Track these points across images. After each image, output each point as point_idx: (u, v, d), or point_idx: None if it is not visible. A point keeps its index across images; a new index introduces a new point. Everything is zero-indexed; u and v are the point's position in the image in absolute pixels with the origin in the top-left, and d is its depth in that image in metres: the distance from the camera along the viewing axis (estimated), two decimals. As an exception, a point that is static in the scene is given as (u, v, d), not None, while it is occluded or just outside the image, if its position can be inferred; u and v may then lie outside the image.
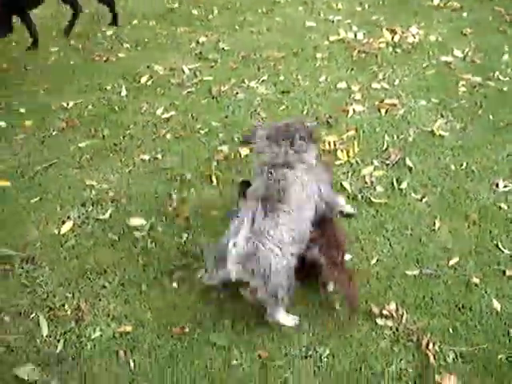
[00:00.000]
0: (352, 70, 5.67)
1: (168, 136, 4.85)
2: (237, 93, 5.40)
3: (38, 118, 5.22)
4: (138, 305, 3.38)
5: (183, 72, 5.84)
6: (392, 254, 3.60)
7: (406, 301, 3.27)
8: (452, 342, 3.05)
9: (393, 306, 3.22)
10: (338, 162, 4.36)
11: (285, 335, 3.12)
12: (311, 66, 5.80)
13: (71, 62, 6.23)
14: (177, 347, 3.11)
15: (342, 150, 4.46)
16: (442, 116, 4.84)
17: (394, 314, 3.19)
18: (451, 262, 3.50)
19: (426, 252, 3.59)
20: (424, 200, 3.97)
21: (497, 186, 4.04)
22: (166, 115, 5.13)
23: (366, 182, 4.18)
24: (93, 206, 4.14)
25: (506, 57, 5.72)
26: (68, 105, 5.39)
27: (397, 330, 3.12)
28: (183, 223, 3.91)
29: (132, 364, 3.06)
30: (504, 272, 3.42)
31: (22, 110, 5.37)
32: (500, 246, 3.59)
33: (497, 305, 3.23)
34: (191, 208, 4.03)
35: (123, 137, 4.89)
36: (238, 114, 5.10)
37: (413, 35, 6.23)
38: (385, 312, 3.20)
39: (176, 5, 7.46)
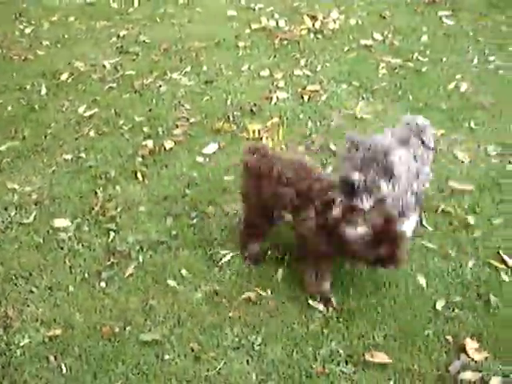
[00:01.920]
0: (274, 57, 5.70)
1: (91, 133, 4.76)
2: (160, 85, 5.35)
3: (-45, 123, 5.03)
4: (67, 307, 3.30)
5: (104, 67, 5.75)
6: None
7: (335, 282, 3.29)
8: (380, 319, 3.10)
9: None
10: (263, 150, 4.37)
11: (216, 326, 3.11)
12: (233, 55, 5.80)
13: (-12, 63, 6.04)
14: (108, 347, 3.06)
15: (266, 138, 4.49)
16: (363, 99, 4.92)
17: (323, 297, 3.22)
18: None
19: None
20: (349, 183, 4.01)
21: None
22: (88, 112, 5.03)
23: (291, 169, 4.19)
24: (16, 209, 4.02)
25: (424, 38, 5.86)
26: (-14, 107, 5.23)
27: (327, 311, 3.15)
28: (109, 221, 3.85)
29: (64, 368, 2.99)
30: (427, 248, 3.50)
31: None
32: (424, 221, 3.67)
33: (422, 281, 3.29)
34: (117, 205, 3.98)
35: (45, 137, 4.77)
36: (162, 106, 5.05)
37: (333, 20, 6.31)
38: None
39: (95, -2, 7.32)
